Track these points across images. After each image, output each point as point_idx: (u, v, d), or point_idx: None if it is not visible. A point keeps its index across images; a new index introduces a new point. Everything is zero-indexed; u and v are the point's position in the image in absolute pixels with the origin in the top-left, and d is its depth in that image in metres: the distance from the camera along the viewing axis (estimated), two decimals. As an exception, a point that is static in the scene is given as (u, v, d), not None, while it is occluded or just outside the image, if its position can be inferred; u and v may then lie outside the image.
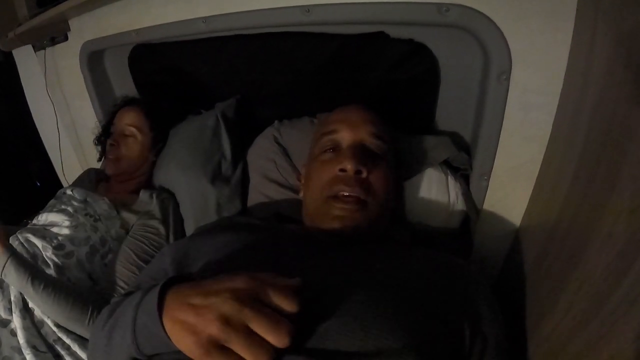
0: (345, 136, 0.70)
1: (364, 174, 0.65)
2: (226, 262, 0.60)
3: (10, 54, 1.53)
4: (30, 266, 0.77)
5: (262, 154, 0.94)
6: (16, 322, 0.77)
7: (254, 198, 0.93)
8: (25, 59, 1.50)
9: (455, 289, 0.58)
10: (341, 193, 0.65)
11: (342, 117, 0.73)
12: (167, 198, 0.98)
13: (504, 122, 0.72)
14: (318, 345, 0.46)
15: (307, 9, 0.77)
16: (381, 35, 0.82)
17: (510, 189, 0.76)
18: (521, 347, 0.60)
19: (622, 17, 0.47)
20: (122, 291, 0.82)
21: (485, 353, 0.54)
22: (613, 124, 0.47)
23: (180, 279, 0.50)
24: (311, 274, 0.56)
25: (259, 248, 0.63)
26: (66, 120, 1.48)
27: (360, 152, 0.66)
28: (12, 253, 0.77)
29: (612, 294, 0.40)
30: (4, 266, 0.75)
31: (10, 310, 0.79)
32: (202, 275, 0.56)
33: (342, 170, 0.65)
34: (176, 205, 0.99)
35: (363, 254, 0.63)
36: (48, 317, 0.79)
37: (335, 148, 0.70)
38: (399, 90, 0.88)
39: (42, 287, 0.75)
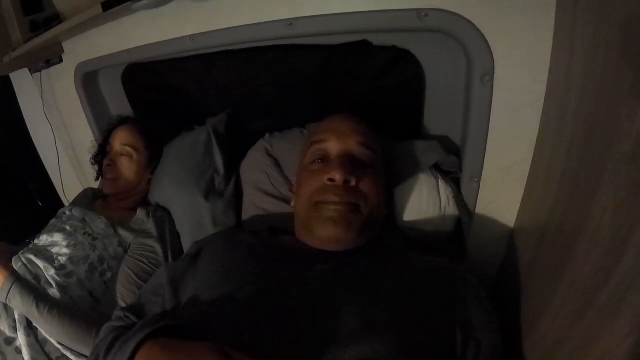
0: (333, 146, 0.70)
1: (353, 183, 0.65)
2: (218, 291, 0.61)
3: (8, 76, 1.56)
4: (34, 290, 0.79)
5: (254, 166, 0.95)
6: (21, 339, 0.79)
7: (248, 211, 0.93)
8: (22, 82, 1.52)
9: (447, 294, 0.58)
10: (329, 200, 0.65)
11: (330, 127, 0.73)
12: (163, 216, 1.00)
13: (490, 123, 0.72)
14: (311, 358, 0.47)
15: (289, 22, 0.78)
16: (364, 43, 0.83)
17: (501, 190, 0.76)
18: (518, 350, 0.60)
19: (601, 11, 0.47)
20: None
21: (479, 358, 0.54)
22: (597, 118, 0.46)
23: (161, 329, 0.52)
24: (303, 292, 0.58)
25: (252, 271, 0.64)
26: (65, 141, 1.50)
27: (349, 162, 0.67)
28: (17, 278, 0.79)
29: (601, 292, 0.40)
30: (8, 291, 0.77)
31: (14, 329, 0.80)
32: (191, 309, 0.61)
33: (330, 180, 0.66)
34: (172, 222, 1.00)
35: (355, 264, 0.63)
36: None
37: (324, 158, 0.70)
38: (385, 97, 0.89)
39: (47, 310, 0.77)
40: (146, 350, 0.49)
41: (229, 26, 0.85)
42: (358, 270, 0.62)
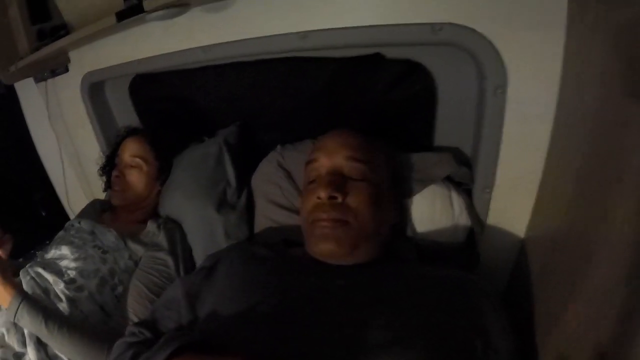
0: (323, 163, 0.72)
1: (339, 199, 0.67)
2: (238, 305, 0.62)
3: (12, 86, 1.54)
4: (43, 308, 0.78)
5: (266, 179, 0.95)
6: (31, 355, 0.78)
7: (260, 223, 0.93)
8: (27, 91, 1.51)
9: (463, 303, 0.59)
10: (319, 217, 0.68)
11: (321, 145, 0.76)
12: (174, 228, 0.99)
13: (503, 135, 0.73)
14: None
15: (303, 34, 0.78)
16: (377, 56, 0.83)
17: (513, 201, 0.77)
18: (533, 356, 0.61)
19: (609, 26, 0.48)
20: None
21: None
22: (612, 126, 0.47)
23: (187, 344, 0.52)
24: (325, 306, 0.59)
25: (272, 286, 0.65)
26: (69, 151, 1.49)
27: (335, 178, 0.69)
28: (25, 297, 0.77)
29: (622, 297, 0.41)
30: (16, 310, 0.76)
31: (24, 343, 0.79)
32: (211, 325, 0.61)
33: (319, 197, 0.68)
34: (183, 235, 0.99)
35: (371, 277, 0.64)
36: (63, 353, 0.79)
37: (317, 177, 0.72)
38: (397, 110, 0.90)
39: (56, 328, 0.76)
40: None
41: (242, 38, 0.85)
42: (375, 283, 0.63)
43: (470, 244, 0.83)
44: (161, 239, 0.95)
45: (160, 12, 0.77)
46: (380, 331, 0.54)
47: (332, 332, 0.55)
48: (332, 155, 0.72)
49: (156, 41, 0.99)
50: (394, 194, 0.78)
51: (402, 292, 0.61)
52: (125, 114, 1.29)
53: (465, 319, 0.57)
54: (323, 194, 0.67)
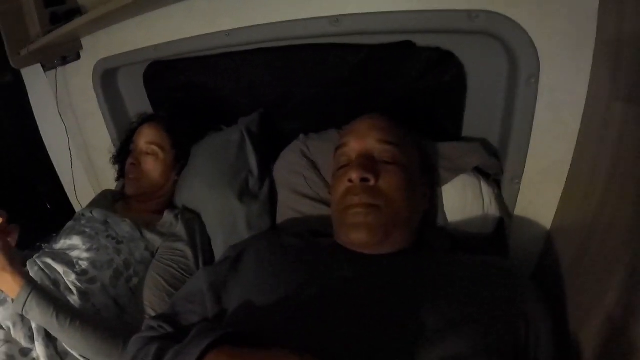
0: (354, 147, 0.71)
1: (372, 182, 0.66)
2: (271, 296, 0.60)
3: (19, 74, 1.51)
4: (54, 299, 0.73)
5: (290, 168, 0.93)
6: (39, 351, 0.74)
7: (283, 214, 0.91)
8: (35, 79, 1.48)
9: (506, 289, 0.59)
10: (351, 203, 0.66)
11: (351, 130, 0.75)
12: (193, 218, 0.96)
13: (534, 124, 0.73)
14: None
15: (335, 19, 0.77)
16: (408, 44, 0.83)
17: (541, 191, 0.77)
18: (567, 345, 0.61)
19: None
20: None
21: (540, 344, 0.56)
22: None
23: (226, 335, 0.49)
24: (364, 295, 0.58)
25: (305, 276, 0.63)
26: (78, 142, 1.46)
27: (366, 161, 0.68)
28: (34, 287, 0.72)
29: None
30: (25, 302, 0.71)
31: (31, 339, 0.75)
32: (244, 317, 0.59)
33: (350, 181, 0.67)
34: (202, 226, 0.97)
35: (404, 265, 0.64)
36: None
37: (348, 162, 0.71)
38: (426, 99, 0.89)
39: (68, 322, 0.71)
40: (213, 358, 0.46)
41: (270, 21, 0.83)
42: (412, 270, 0.62)
43: (500, 235, 0.83)
44: (179, 229, 0.93)
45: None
46: (428, 318, 0.52)
47: (377, 321, 0.53)
48: (362, 139, 0.71)
49: (175, 25, 0.97)
50: (425, 181, 0.77)
51: (441, 279, 0.60)
52: (138, 104, 1.26)
53: (508, 304, 0.57)
54: (355, 175, 0.66)
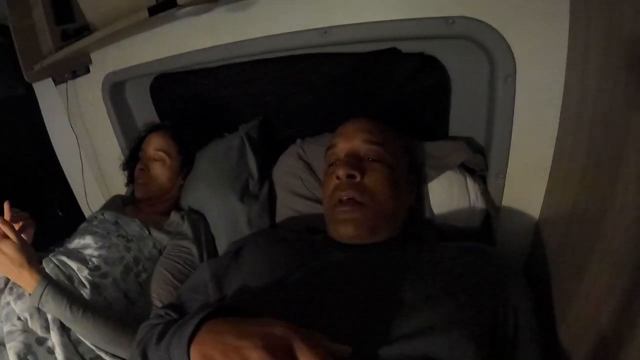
0: (342, 148, 0.76)
1: (357, 178, 0.71)
2: (266, 278, 0.64)
3: (31, 88, 1.57)
4: (67, 293, 0.78)
5: (287, 171, 0.98)
6: (54, 339, 0.79)
7: (282, 213, 0.96)
8: (46, 93, 1.54)
9: (485, 273, 0.61)
10: (338, 198, 0.71)
11: (340, 131, 0.80)
12: (198, 219, 1.02)
13: (514, 121, 0.76)
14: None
15: (324, 30, 0.82)
16: (393, 51, 0.88)
17: (526, 184, 0.80)
18: (552, 333, 0.63)
19: (612, 16, 0.52)
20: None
21: (518, 327, 0.58)
22: (614, 106, 0.51)
23: (222, 310, 0.51)
24: (353, 277, 0.62)
25: (299, 260, 0.67)
26: (88, 150, 1.51)
27: (352, 159, 0.73)
28: (49, 282, 0.78)
29: (631, 262, 0.44)
30: (41, 295, 0.76)
31: (47, 329, 0.80)
32: (241, 297, 0.61)
33: (338, 178, 0.72)
34: (207, 225, 1.02)
35: (391, 250, 0.68)
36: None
37: (336, 161, 0.76)
38: (413, 101, 0.93)
39: (80, 312, 0.77)
40: (209, 327, 0.48)
41: (266, 34, 0.89)
42: (397, 255, 0.66)
43: (487, 228, 0.86)
44: (185, 228, 0.98)
45: (190, 8, 0.80)
46: (407, 294, 0.56)
47: (358, 298, 0.57)
48: (349, 139, 0.76)
49: (179, 40, 1.02)
50: (411, 179, 0.81)
51: (423, 262, 0.63)
52: (145, 114, 1.32)
53: (487, 284, 0.60)
54: (341, 172, 0.71)
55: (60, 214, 1.70)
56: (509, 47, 0.72)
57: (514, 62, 0.72)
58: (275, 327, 0.45)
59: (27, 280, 0.78)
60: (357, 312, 0.55)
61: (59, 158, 1.71)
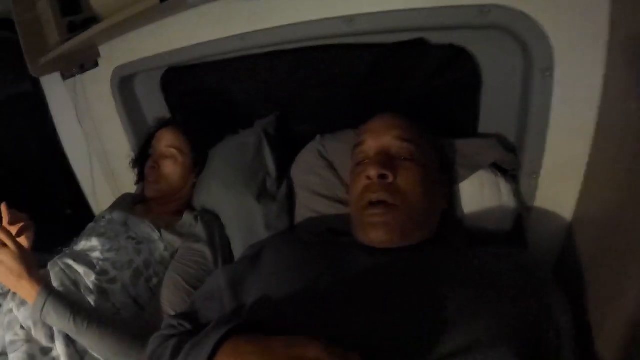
0: (371, 145, 0.71)
1: (390, 179, 0.66)
2: (289, 288, 0.60)
3: (39, 83, 1.55)
4: (70, 304, 0.75)
5: (307, 169, 0.93)
6: (60, 350, 0.76)
7: (302, 214, 0.92)
8: (54, 88, 1.51)
9: (528, 282, 0.58)
10: (368, 200, 0.66)
11: (368, 128, 0.75)
12: (212, 220, 0.97)
13: (550, 119, 0.72)
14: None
15: (349, 19, 0.77)
16: (421, 42, 0.83)
17: (559, 185, 0.76)
18: (587, 338, 0.60)
19: None
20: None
21: (560, 339, 0.55)
22: None
23: (244, 325, 0.49)
24: (383, 286, 0.58)
25: (324, 268, 0.63)
26: (97, 147, 1.49)
27: (384, 158, 0.68)
28: (50, 292, 0.74)
29: None
30: (42, 307, 0.73)
31: (51, 338, 0.77)
32: (262, 308, 0.58)
33: (368, 178, 0.67)
34: (221, 227, 0.98)
35: (422, 256, 0.63)
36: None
37: (365, 159, 0.71)
38: (441, 96, 0.89)
39: (85, 324, 0.73)
40: (231, 347, 0.46)
41: (284, 23, 0.84)
42: (429, 262, 0.62)
43: (518, 231, 0.82)
44: (199, 229, 0.94)
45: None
46: (445, 305, 0.53)
47: (391, 309, 0.53)
48: (379, 136, 0.71)
49: (190, 31, 0.98)
50: (444, 180, 0.77)
51: (458, 269, 0.60)
52: (155, 109, 1.28)
53: (527, 296, 0.56)
54: (373, 172, 0.66)
55: (69, 212, 1.68)
56: (547, 38, 0.67)
57: (552, 55, 0.67)
58: (308, 349, 0.42)
59: (27, 290, 0.74)
60: (392, 326, 0.51)
61: (67, 155, 1.68)
